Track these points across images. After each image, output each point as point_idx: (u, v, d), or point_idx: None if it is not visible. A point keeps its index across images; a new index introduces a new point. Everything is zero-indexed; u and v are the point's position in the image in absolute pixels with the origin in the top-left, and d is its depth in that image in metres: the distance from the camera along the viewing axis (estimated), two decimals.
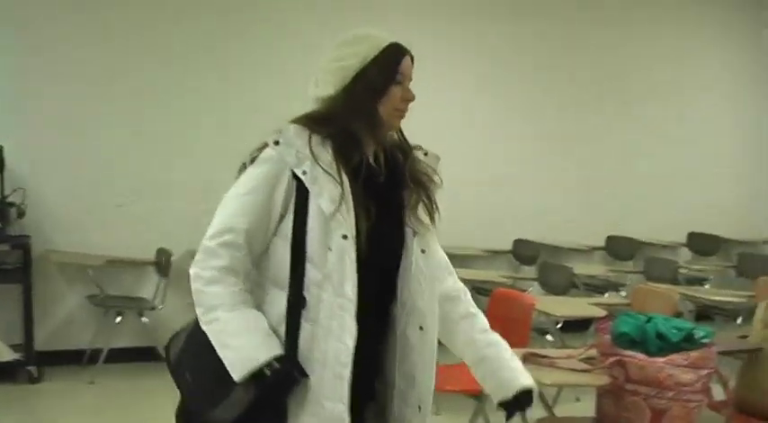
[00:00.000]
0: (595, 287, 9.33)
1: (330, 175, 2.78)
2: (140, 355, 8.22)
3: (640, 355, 4.44)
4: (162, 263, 8.24)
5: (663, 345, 4.46)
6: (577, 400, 6.83)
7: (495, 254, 9.78)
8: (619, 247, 10.55)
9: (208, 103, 8.75)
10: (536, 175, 10.19)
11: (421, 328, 2.90)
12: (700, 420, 4.59)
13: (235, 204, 2.86)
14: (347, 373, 2.72)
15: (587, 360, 4.77)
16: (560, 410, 6.09)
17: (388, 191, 2.92)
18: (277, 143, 2.83)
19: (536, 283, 8.94)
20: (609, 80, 10.61)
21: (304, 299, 2.75)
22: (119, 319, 8.08)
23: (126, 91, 8.45)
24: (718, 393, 5.19)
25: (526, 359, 4.67)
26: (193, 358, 2.88)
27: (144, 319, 8.12)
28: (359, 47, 2.87)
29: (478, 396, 5.56)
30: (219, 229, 2.84)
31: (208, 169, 8.64)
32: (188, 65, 8.68)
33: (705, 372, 4.47)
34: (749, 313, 6.25)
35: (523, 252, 9.96)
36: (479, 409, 5.63)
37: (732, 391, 5.22)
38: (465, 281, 9.25)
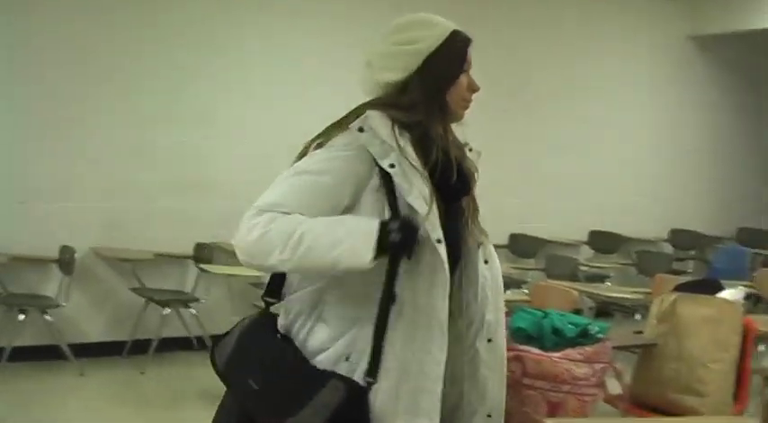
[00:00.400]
0: None
1: (418, 170, 2.59)
2: (44, 354, 8.15)
3: (536, 350, 4.53)
4: (65, 260, 8.18)
5: (558, 340, 4.56)
6: None
7: None
8: (521, 245, 10.70)
9: (113, 104, 8.69)
10: None
11: (489, 340, 2.80)
12: (596, 414, 4.71)
13: (295, 183, 2.61)
14: (438, 387, 2.61)
15: None
16: None
17: (455, 193, 2.76)
18: (361, 130, 2.62)
19: None
20: (514, 80, 10.74)
21: (395, 296, 2.58)
22: (22, 317, 7.98)
23: (28, 89, 8.36)
24: (615, 388, 5.32)
25: None
26: (258, 361, 2.67)
27: (48, 318, 8.05)
28: (427, 31, 2.72)
29: None
30: (267, 203, 2.57)
31: (112, 168, 8.62)
32: (90, 65, 8.61)
33: (600, 366, 4.58)
34: (647, 309, 6.40)
35: None
36: None
37: (627, 385, 5.36)
38: None
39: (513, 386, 4.56)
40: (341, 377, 2.56)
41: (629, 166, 11.70)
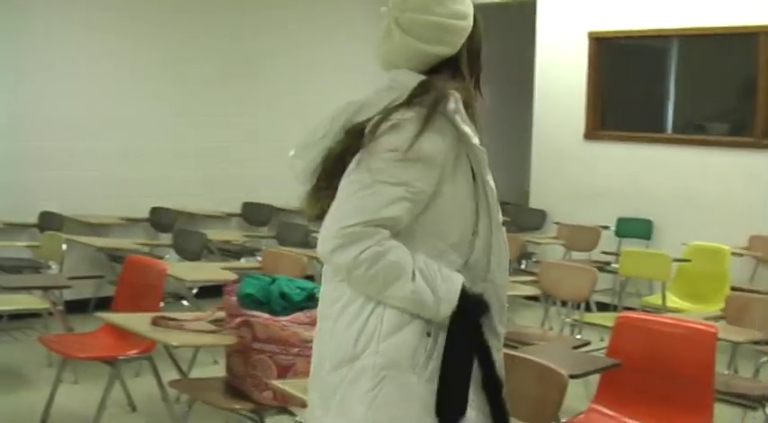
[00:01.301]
0: (231, 253, 9.52)
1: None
2: None
3: (265, 315, 4.62)
4: None
5: (286, 304, 4.67)
6: (215, 362, 6.98)
7: (133, 222, 9.78)
8: (254, 214, 10.76)
9: None
10: (174, 144, 10.23)
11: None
12: None
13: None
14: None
15: (217, 322, 4.91)
16: (199, 372, 6.24)
17: None
18: (452, 112, 2.55)
19: (172, 250, 9.01)
20: (245, 56, 10.76)
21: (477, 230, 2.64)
22: None
23: None
24: None
25: (155, 323, 4.78)
26: None
27: None
28: (466, 6, 2.69)
29: (113, 362, 5.64)
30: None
31: None
32: None
33: None
34: None
35: (160, 220, 9.98)
36: (114, 375, 5.69)
37: None
38: (101, 249, 9.16)
39: (244, 351, 4.66)
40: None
41: None
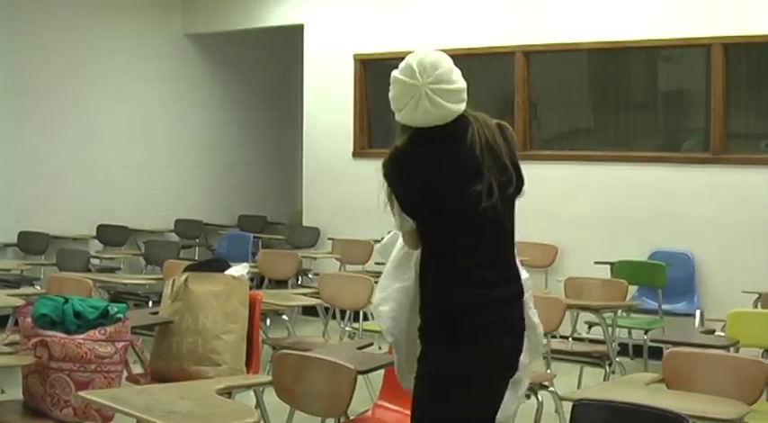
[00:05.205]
0: (10, 282, 9.44)
1: None
2: None
3: (61, 334, 4.74)
4: None
5: (81, 322, 4.80)
6: (2, 392, 6.88)
7: None
8: (30, 242, 10.67)
9: None
10: None
11: None
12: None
13: None
14: None
15: (12, 345, 4.97)
16: None
17: None
18: None
19: None
20: (16, 73, 10.69)
21: None
22: None
23: None
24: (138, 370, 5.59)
25: None
26: None
27: None
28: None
29: None
30: None
31: None
32: None
33: (122, 344, 4.87)
34: (159, 297, 6.68)
35: None
36: None
37: (149, 364, 5.65)
38: None
39: (41, 371, 4.76)
40: None
41: (133, 161, 11.90)
